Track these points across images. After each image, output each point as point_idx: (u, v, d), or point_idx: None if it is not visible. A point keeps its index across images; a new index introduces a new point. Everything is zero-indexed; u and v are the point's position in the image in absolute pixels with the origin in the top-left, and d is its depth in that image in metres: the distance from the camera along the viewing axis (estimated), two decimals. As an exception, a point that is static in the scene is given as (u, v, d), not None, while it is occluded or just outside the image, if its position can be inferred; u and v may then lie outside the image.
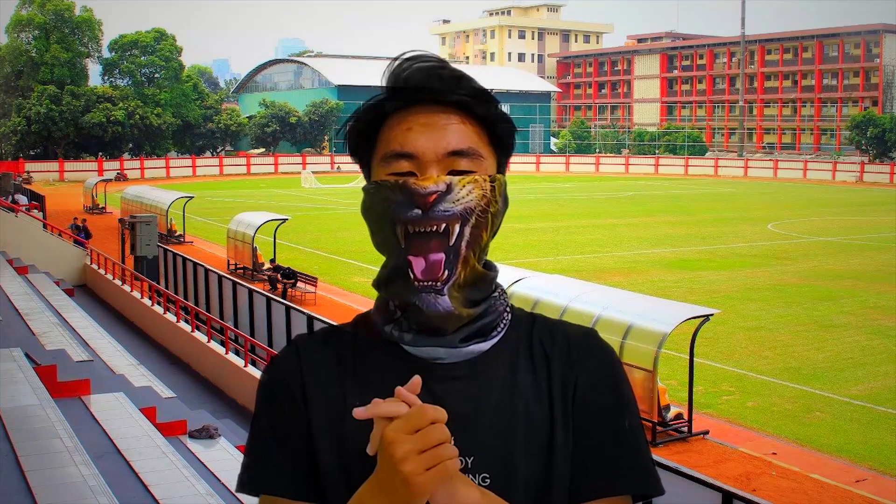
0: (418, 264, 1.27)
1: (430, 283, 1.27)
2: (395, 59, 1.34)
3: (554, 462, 1.29)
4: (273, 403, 1.35)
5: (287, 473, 1.32)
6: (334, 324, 1.45)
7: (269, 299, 16.19)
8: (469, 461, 1.25)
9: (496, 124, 1.32)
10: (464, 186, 1.26)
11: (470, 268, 1.29)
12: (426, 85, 1.29)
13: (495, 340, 1.33)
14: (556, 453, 1.29)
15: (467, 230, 1.27)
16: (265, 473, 1.32)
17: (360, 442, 1.23)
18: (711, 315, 12.41)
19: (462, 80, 1.30)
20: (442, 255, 1.27)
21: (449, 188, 1.25)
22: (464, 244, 1.27)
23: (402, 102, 1.30)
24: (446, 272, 1.27)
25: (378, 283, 1.35)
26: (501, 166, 1.35)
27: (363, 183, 1.35)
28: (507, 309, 1.37)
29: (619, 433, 1.32)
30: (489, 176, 1.29)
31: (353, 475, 1.25)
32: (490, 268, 1.35)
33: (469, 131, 1.29)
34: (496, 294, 1.35)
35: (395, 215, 1.27)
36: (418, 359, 1.30)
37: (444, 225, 1.26)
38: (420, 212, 1.25)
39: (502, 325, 1.34)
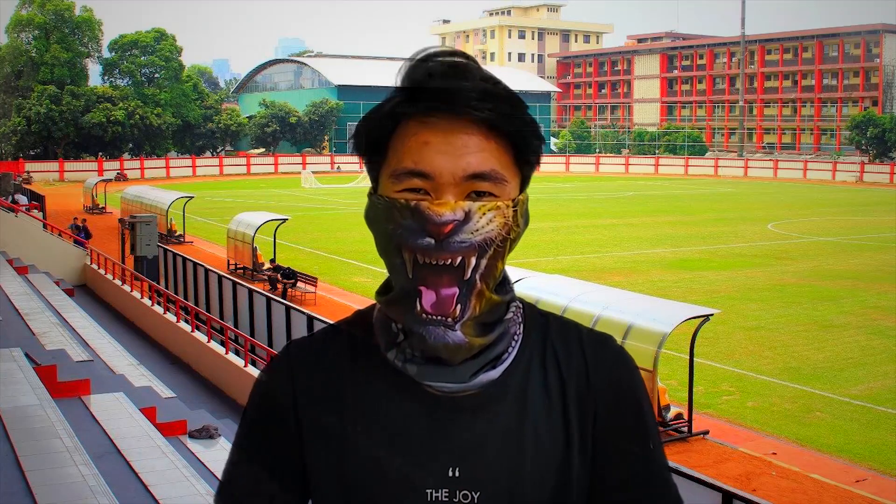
0: (428, 297, 1.14)
1: (439, 317, 1.14)
2: (415, 56, 1.18)
3: (568, 493, 1.21)
4: (262, 420, 1.28)
5: (267, 494, 1.26)
6: (330, 324, 1.34)
7: (269, 299, 16.19)
8: (476, 496, 1.17)
9: (523, 141, 1.17)
10: (484, 215, 1.12)
11: (485, 300, 1.16)
12: (448, 97, 1.13)
13: (506, 365, 1.21)
14: (571, 485, 1.21)
15: (484, 262, 1.14)
16: (244, 491, 1.27)
17: (362, 469, 1.20)
18: (711, 315, 12.41)
19: (488, 91, 1.14)
20: (455, 290, 1.13)
21: (467, 216, 1.11)
22: (479, 277, 1.14)
23: (418, 110, 1.15)
24: (459, 307, 1.14)
25: (382, 299, 1.22)
26: (525, 183, 1.20)
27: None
28: (520, 322, 1.24)
29: (645, 457, 1.24)
30: (512, 200, 1.15)
31: (353, 499, 1.20)
32: (505, 289, 1.22)
33: (492, 150, 1.14)
34: (510, 315, 1.22)
35: (403, 241, 1.13)
36: (423, 386, 1.19)
37: (459, 258, 1.12)
38: (433, 241, 1.11)
39: (513, 345, 1.22)
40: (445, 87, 1.13)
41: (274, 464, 1.26)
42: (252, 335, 15.83)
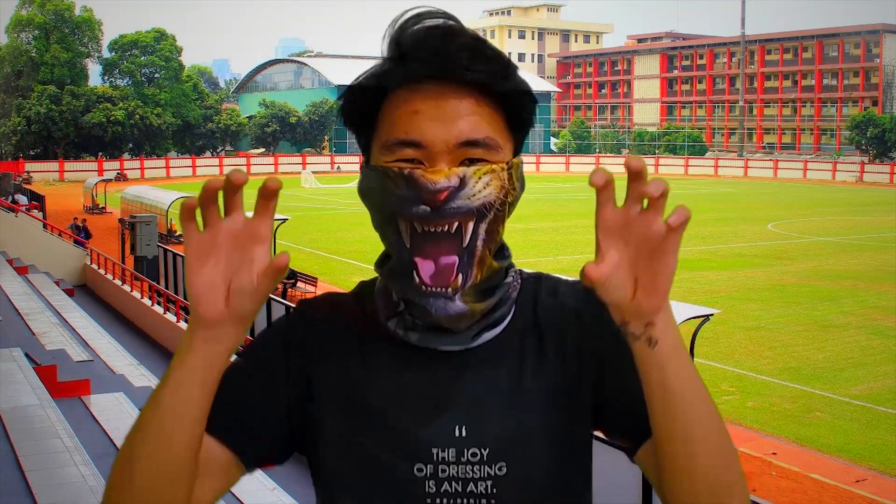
0: (426, 268, 1.11)
1: (439, 289, 1.12)
2: (398, 18, 1.14)
3: (573, 447, 1.20)
4: (266, 351, 1.25)
5: (240, 421, 1.19)
6: (337, 292, 1.32)
7: (268, 299, 16.18)
8: (485, 452, 1.15)
9: (516, 103, 1.15)
10: (479, 179, 1.09)
11: (486, 267, 1.14)
12: (437, 61, 1.10)
13: (505, 324, 1.20)
14: (575, 432, 1.20)
15: (483, 227, 1.11)
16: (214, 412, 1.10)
17: (367, 432, 1.18)
18: (711, 315, 12.38)
19: (478, 52, 1.11)
20: (455, 259, 1.11)
21: (462, 182, 1.08)
22: (479, 243, 1.12)
23: (406, 78, 1.11)
24: (460, 276, 1.11)
25: (381, 270, 1.20)
26: (519, 147, 1.18)
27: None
28: (517, 286, 1.24)
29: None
30: (507, 163, 1.12)
31: (357, 461, 1.18)
32: (503, 255, 1.21)
33: (484, 115, 1.12)
34: (509, 279, 1.22)
35: (399, 211, 1.11)
36: (426, 347, 1.18)
37: (456, 224, 1.10)
38: (428, 209, 1.08)
39: (513, 307, 1.22)
40: (433, 51, 1.10)
41: (267, 383, 1.22)
42: (252, 335, 15.81)
